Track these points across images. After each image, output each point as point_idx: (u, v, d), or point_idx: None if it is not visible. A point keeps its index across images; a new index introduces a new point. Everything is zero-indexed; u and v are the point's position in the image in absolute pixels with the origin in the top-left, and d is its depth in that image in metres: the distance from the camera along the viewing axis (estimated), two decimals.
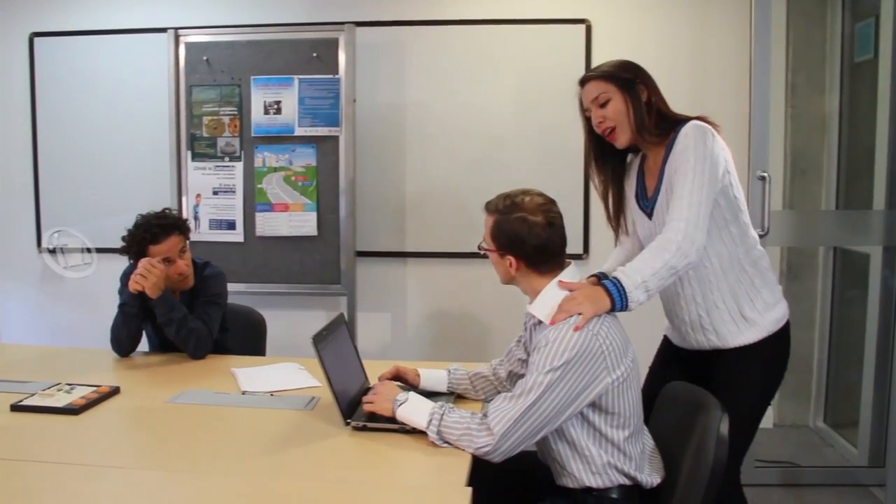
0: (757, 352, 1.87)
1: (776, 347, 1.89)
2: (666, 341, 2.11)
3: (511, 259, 1.66)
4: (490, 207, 1.71)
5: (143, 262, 2.26)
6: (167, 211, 2.40)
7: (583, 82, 1.92)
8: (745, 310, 1.86)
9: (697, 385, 1.77)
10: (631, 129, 1.86)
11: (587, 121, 1.95)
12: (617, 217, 2.03)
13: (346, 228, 3.34)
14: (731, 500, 1.96)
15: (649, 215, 1.92)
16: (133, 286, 2.26)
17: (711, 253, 1.83)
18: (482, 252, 1.74)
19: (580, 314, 1.56)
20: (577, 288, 1.64)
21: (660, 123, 1.86)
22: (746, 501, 2.01)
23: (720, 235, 1.83)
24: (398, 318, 3.72)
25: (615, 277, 1.68)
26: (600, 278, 1.95)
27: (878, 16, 3.06)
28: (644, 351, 2.07)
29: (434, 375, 1.94)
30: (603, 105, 1.87)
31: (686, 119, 1.86)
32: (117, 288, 2.40)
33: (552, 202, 1.70)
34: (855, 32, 3.31)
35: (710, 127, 1.83)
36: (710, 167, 1.76)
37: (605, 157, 1.98)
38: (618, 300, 1.64)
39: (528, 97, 3.49)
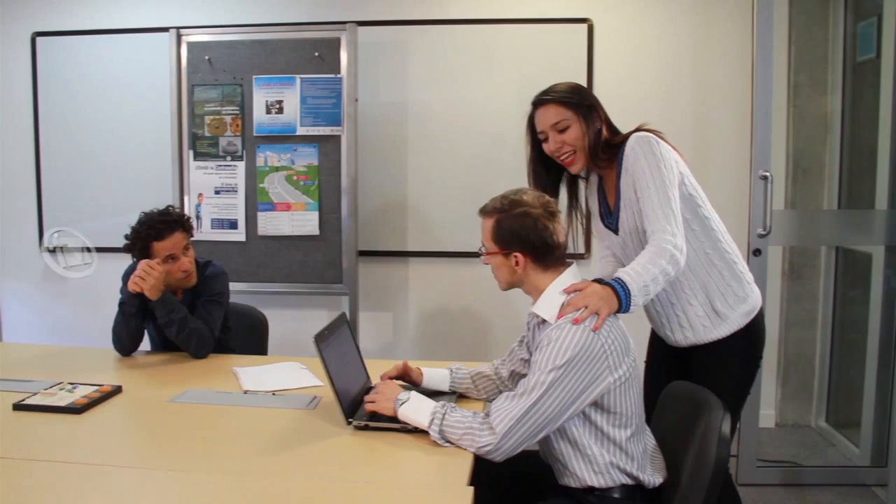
0: (731, 345, 1.91)
1: (749, 339, 1.93)
2: (653, 336, 2.13)
3: (517, 256, 1.66)
4: (487, 209, 1.71)
5: (142, 264, 2.26)
6: (171, 208, 2.41)
7: (539, 104, 1.94)
8: (717, 304, 1.90)
9: (683, 378, 1.83)
10: (586, 156, 1.91)
11: (534, 141, 1.98)
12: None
13: (347, 228, 3.34)
14: (723, 493, 1.98)
15: (615, 231, 1.97)
16: (132, 287, 2.26)
17: None
18: (483, 258, 1.73)
19: (596, 314, 1.57)
20: (583, 287, 1.64)
21: (606, 149, 1.91)
22: (738, 494, 2.03)
23: (685, 236, 1.84)
24: (400, 318, 3.72)
25: (620, 279, 1.68)
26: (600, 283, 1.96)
27: (881, 15, 3.06)
28: (644, 351, 2.08)
29: (436, 374, 1.94)
30: (562, 131, 1.90)
31: (627, 135, 1.90)
32: (119, 287, 2.40)
33: (547, 196, 1.72)
34: (857, 32, 3.31)
35: (651, 135, 1.86)
36: (666, 174, 1.80)
37: (549, 175, 2.02)
38: (624, 302, 1.64)
39: (530, 96, 3.47)
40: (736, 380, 1.93)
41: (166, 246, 2.30)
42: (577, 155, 1.90)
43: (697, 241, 1.88)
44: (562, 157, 1.92)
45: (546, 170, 2.01)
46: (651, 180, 1.79)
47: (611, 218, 1.98)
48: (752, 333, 1.92)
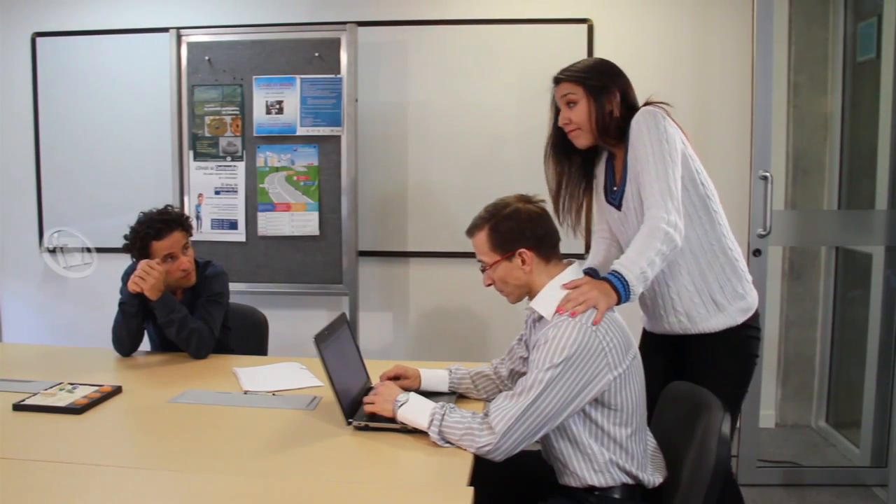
0: (727, 341, 1.91)
1: (746, 336, 1.93)
2: (644, 334, 2.12)
3: (523, 254, 1.65)
4: (475, 224, 1.71)
5: (142, 264, 2.26)
6: (169, 208, 2.41)
7: (556, 81, 1.96)
8: (716, 295, 1.90)
9: (674, 373, 1.85)
10: (592, 134, 1.91)
11: (556, 115, 1.98)
12: (569, 211, 2.04)
13: (347, 228, 3.34)
14: (725, 492, 1.97)
15: (618, 207, 1.96)
16: (132, 287, 2.26)
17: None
18: (486, 274, 1.71)
19: (595, 308, 1.57)
20: (581, 284, 1.64)
21: (618, 129, 1.90)
22: (741, 493, 2.02)
23: (690, 221, 1.85)
24: (400, 318, 3.72)
25: (616, 271, 1.69)
26: (592, 276, 1.96)
27: (881, 15, 3.06)
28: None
29: (435, 375, 1.94)
30: (571, 106, 1.91)
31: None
32: (119, 287, 2.40)
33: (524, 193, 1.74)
34: (857, 32, 3.31)
35: (658, 110, 1.85)
36: (668, 149, 1.79)
37: (566, 152, 2.01)
38: (623, 293, 1.65)
39: (530, 97, 3.48)
40: (733, 377, 1.93)
41: (165, 245, 2.30)
42: (580, 132, 1.91)
43: (703, 229, 1.88)
44: (568, 131, 1.94)
45: (565, 144, 1.99)
46: (651, 154, 1.79)
47: (614, 194, 1.97)
48: (748, 331, 1.92)
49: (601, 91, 1.89)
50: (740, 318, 1.91)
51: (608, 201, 2.01)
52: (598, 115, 1.88)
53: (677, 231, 1.73)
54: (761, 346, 2.00)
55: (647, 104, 1.89)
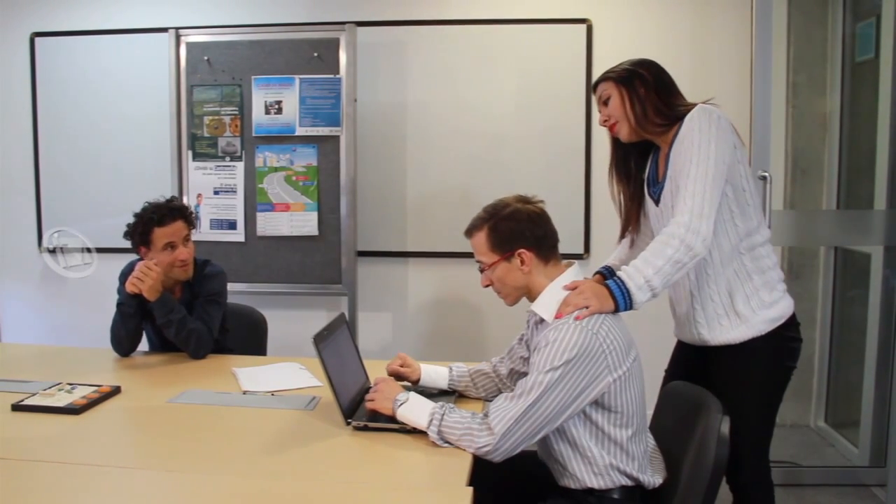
0: (751, 351, 1.84)
1: (774, 346, 1.85)
2: (677, 345, 2.08)
3: (522, 254, 1.65)
4: (474, 224, 1.71)
5: (140, 265, 2.27)
6: (174, 199, 2.43)
7: (593, 90, 1.98)
8: (738, 304, 1.83)
9: (705, 385, 1.76)
10: (629, 122, 1.89)
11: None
12: (626, 225, 2.05)
13: (347, 228, 3.34)
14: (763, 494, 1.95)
15: (656, 201, 1.93)
16: (130, 288, 2.26)
17: (713, 245, 1.80)
18: (483, 276, 1.71)
19: (585, 308, 1.57)
20: (580, 285, 1.64)
21: (659, 114, 1.86)
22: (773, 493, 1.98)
23: (724, 228, 1.81)
24: (399, 318, 3.72)
25: (618, 278, 1.67)
26: (605, 275, 1.96)
27: (880, 15, 3.06)
28: (651, 351, 2.07)
29: (435, 371, 1.96)
30: (605, 103, 1.92)
31: (690, 106, 1.84)
32: (117, 287, 2.40)
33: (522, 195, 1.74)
34: (856, 32, 3.31)
35: (717, 110, 1.80)
36: (715, 151, 1.73)
37: (626, 168, 2.01)
38: (621, 301, 1.63)
39: (530, 97, 3.49)
40: (759, 388, 1.87)
41: (167, 232, 2.31)
42: (618, 123, 1.90)
43: (737, 237, 1.82)
44: (608, 126, 1.94)
45: (625, 162, 2.00)
46: (696, 154, 1.73)
47: (656, 187, 1.94)
48: (777, 341, 1.84)
49: (630, 76, 1.88)
50: (766, 328, 1.83)
51: (649, 194, 1.97)
52: (631, 100, 1.86)
53: (699, 237, 1.67)
54: (797, 354, 1.92)
55: (705, 103, 1.83)
